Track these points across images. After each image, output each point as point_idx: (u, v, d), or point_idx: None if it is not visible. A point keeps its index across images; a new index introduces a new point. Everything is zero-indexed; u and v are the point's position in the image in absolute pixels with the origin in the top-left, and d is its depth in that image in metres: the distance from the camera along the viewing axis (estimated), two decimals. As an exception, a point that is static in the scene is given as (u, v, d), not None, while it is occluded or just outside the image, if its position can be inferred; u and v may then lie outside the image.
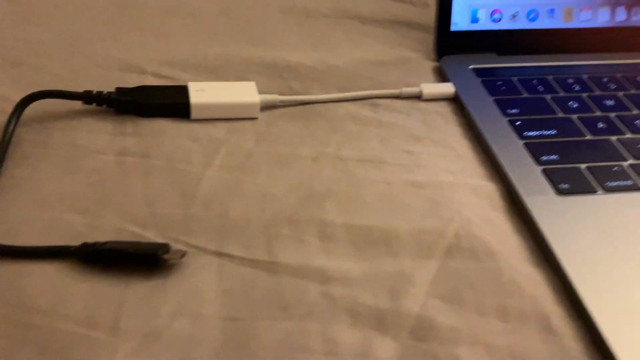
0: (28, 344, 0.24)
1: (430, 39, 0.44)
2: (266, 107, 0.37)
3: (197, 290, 0.26)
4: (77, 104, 0.35)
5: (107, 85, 0.37)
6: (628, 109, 0.39)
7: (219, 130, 0.35)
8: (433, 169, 0.34)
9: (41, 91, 0.34)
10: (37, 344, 0.24)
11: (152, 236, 0.28)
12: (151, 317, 0.25)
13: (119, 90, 0.36)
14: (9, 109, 0.34)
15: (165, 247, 0.27)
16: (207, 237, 0.29)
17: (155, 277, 0.27)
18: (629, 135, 0.36)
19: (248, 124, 0.36)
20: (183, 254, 0.27)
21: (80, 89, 0.36)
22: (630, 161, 0.34)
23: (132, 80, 0.38)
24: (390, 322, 0.25)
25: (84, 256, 0.27)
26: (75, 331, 0.24)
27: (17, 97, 0.35)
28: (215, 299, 0.26)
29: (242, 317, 0.25)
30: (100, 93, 0.35)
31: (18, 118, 0.33)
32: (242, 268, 0.27)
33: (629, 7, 0.44)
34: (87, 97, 0.35)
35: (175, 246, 0.28)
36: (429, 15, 0.45)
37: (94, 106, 0.35)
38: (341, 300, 0.26)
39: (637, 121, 0.37)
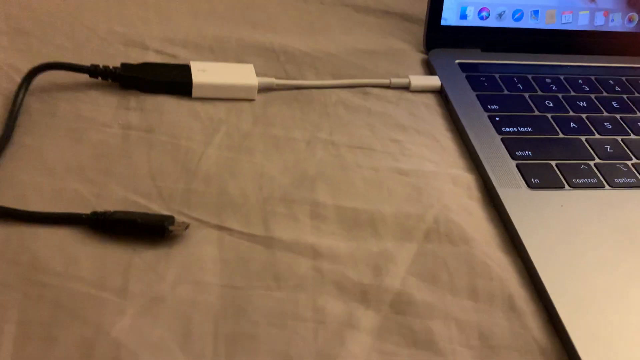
0: (42, 301, 0.26)
1: (420, 31, 0.46)
2: (263, 89, 0.39)
3: (198, 259, 0.29)
4: (83, 77, 0.37)
5: (110, 58, 0.39)
6: (599, 111, 0.42)
7: (218, 110, 0.37)
8: (417, 158, 0.36)
9: (50, 63, 0.36)
10: (51, 301, 0.26)
11: (157, 207, 0.31)
12: (156, 282, 0.27)
13: (124, 65, 0.37)
14: (17, 77, 0.36)
15: (170, 219, 0.29)
16: (208, 211, 0.31)
17: (160, 246, 0.29)
18: (597, 136, 0.39)
19: (246, 104, 0.38)
20: (187, 226, 0.29)
21: (83, 60, 0.37)
22: (596, 160, 0.37)
23: (134, 55, 0.40)
24: (372, 296, 0.28)
25: (94, 224, 0.29)
26: (86, 291, 0.27)
27: (24, 65, 0.36)
28: (215, 268, 0.28)
29: (239, 285, 0.28)
30: (106, 67, 0.37)
31: (27, 88, 0.35)
32: (240, 241, 0.30)
33: (606, 13, 0.47)
34: (93, 70, 0.36)
35: (178, 218, 0.30)
36: (421, 8, 0.47)
37: (99, 80, 0.37)
38: (329, 274, 0.29)
39: (605, 123, 0.41)
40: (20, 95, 0.34)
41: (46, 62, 0.36)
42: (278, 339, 0.26)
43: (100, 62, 0.37)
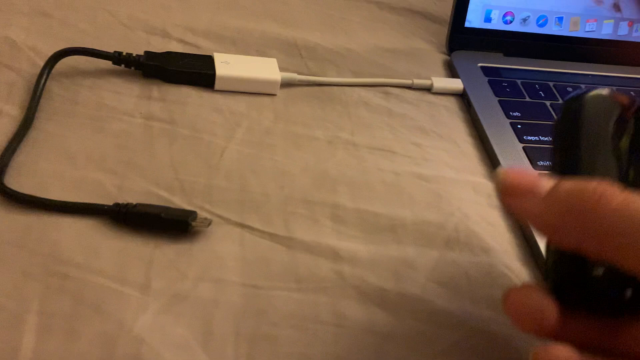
0: (63, 293, 0.26)
1: (443, 31, 0.46)
2: (285, 84, 0.39)
3: (220, 257, 0.28)
4: (106, 63, 0.37)
5: (131, 45, 0.38)
6: (619, 122, 0.42)
7: (240, 104, 0.37)
8: (438, 163, 0.36)
9: (73, 48, 0.35)
10: (72, 294, 0.26)
11: (178, 201, 0.30)
12: (178, 279, 0.27)
13: (148, 54, 0.37)
14: (39, 61, 0.35)
15: (193, 215, 0.29)
16: (229, 207, 0.31)
17: (182, 241, 0.29)
18: (617, 148, 0.39)
19: (267, 99, 0.38)
20: (209, 223, 0.29)
21: (105, 46, 0.37)
22: (616, 173, 0.37)
23: (156, 43, 0.40)
24: (392, 301, 0.28)
25: (116, 215, 0.29)
26: (107, 285, 0.26)
27: (46, 49, 0.36)
28: (237, 266, 0.28)
29: (261, 285, 0.28)
30: (129, 55, 0.36)
31: (49, 72, 0.34)
32: (262, 240, 0.30)
33: (631, 24, 0.47)
34: (117, 58, 0.36)
35: (201, 214, 0.30)
36: (444, 8, 0.47)
37: (122, 67, 0.37)
38: (350, 278, 0.29)
39: (626, 135, 0.40)
40: (42, 80, 0.34)
41: (70, 47, 0.36)
42: (298, 342, 0.26)
43: (122, 49, 0.37)
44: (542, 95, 0.43)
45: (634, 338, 0.24)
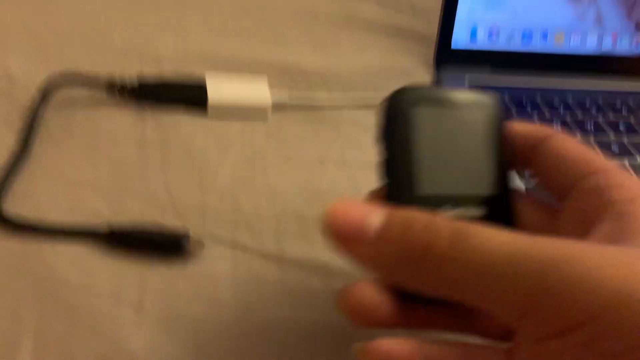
0: (59, 314, 0.26)
1: (430, 50, 0.47)
2: (276, 106, 0.40)
3: (213, 277, 0.29)
4: (100, 91, 0.37)
5: (125, 71, 0.39)
6: (606, 134, 0.42)
7: (233, 127, 0.38)
8: (428, 178, 0.37)
9: (68, 78, 0.36)
10: (67, 315, 0.26)
11: (172, 223, 0.31)
12: (172, 299, 0.28)
13: (141, 82, 0.38)
14: (34, 89, 0.36)
15: (186, 236, 0.29)
16: (222, 227, 0.31)
17: (175, 262, 0.29)
18: (605, 159, 0.40)
19: (259, 123, 0.39)
20: (201, 245, 0.30)
21: (100, 72, 0.38)
22: (604, 183, 0.38)
23: (149, 68, 0.41)
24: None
25: (110, 238, 0.29)
26: (102, 306, 0.27)
27: (41, 78, 0.37)
28: (230, 286, 0.29)
29: (253, 303, 0.28)
30: (123, 84, 0.37)
31: (45, 102, 0.35)
32: (254, 259, 0.30)
33: (614, 37, 0.48)
34: (110, 87, 0.37)
35: (193, 234, 0.30)
36: (431, 26, 0.48)
37: (115, 95, 0.37)
38: (341, 294, 0.29)
39: (613, 146, 0.41)
40: (38, 109, 0.35)
41: (64, 76, 0.36)
42: (293, 358, 0.26)
43: (116, 74, 0.38)
44: (529, 109, 0.43)
45: (483, 324, 0.24)
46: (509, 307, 0.19)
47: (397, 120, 0.24)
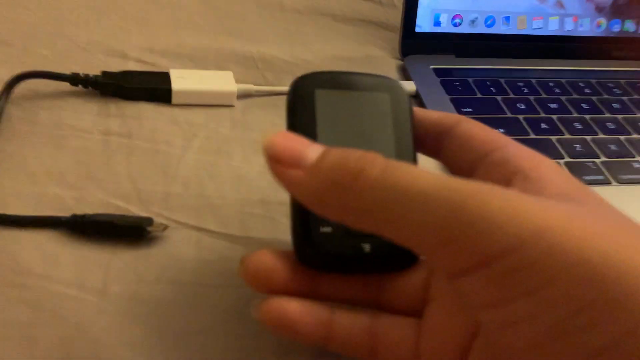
0: (23, 302, 0.26)
1: (396, 38, 0.47)
2: (242, 95, 0.40)
3: (177, 260, 0.29)
4: (64, 85, 0.38)
5: (91, 68, 0.39)
6: (569, 112, 0.43)
7: (198, 116, 0.38)
8: (392, 159, 0.37)
9: (30, 71, 0.37)
10: (31, 303, 0.26)
11: (136, 210, 0.31)
12: (136, 282, 0.28)
13: (105, 73, 0.38)
14: (-1, 86, 0.36)
15: (148, 221, 0.30)
16: (187, 213, 0.31)
17: (139, 247, 0.29)
18: (567, 136, 0.41)
19: (225, 110, 0.39)
20: (165, 227, 0.30)
21: (65, 70, 0.38)
22: (566, 159, 0.39)
23: (114, 64, 0.41)
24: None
25: (73, 226, 0.29)
26: (66, 293, 0.27)
27: (6, 75, 0.37)
28: (194, 268, 0.29)
29: (216, 283, 0.28)
30: (86, 76, 0.37)
31: (8, 96, 0.35)
32: (218, 241, 0.30)
33: (575, 19, 0.49)
34: (74, 79, 0.37)
35: (157, 220, 0.30)
36: (396, 16, 0.49)
37: (80, 88, 0.38)
38: (306, 272, 0.29)
39: (575, 123, 0.42)
40: (1, 104, 0.35)
41: (27, 70, 0.37)
42: (246, 335, 0.27)
43: (81, 71, 0.38)
44: (493, 91, 0.44)
45: (395, 296, 0.25)
46: (429, 238, 0.19)
47: (299, 101, 0.25)
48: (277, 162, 0.22)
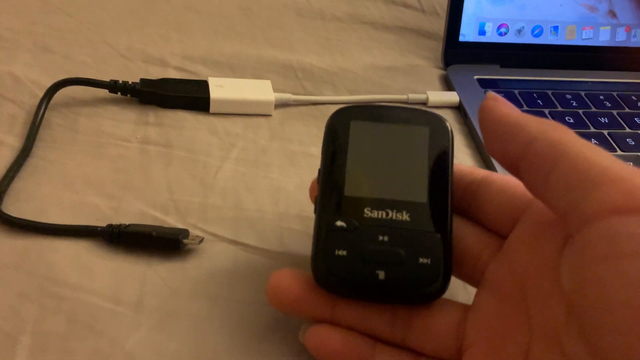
0: (58, 313, 0.26)
1: (438, 47, 0.46)
2: (280, 105, 0.39)
3: (213, 274, 0.28)
4: (103, 92, 0.38)
5: (130, 75, 0.39)
6: (621, 127, 0.41)
7: (236, 125, 0.37)
8: (435, 173, 0.36)
9: (70, 78, 0.37)
10: (67, 314, 0.26)
11: (173, 221, 0.31)
12: (171, 296, 0.27)
13: (143, 81, 0.38)
14: (40, 93, 0.36)
15: (185, 233, 0.29)
16: (223, 225, 0.31)
17: (175, 260, 0.29)
18: (619, 153, 0.39)
19: (263, 120, 0.38)
20: (201, 240, 0.29)
21: (105, 77, 0.38)
22: (619, 177, 0.37)
23: (154, 72, 0.41)
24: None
25: (109, 236, 0.29)
26: (101, 304, 0.27)
27: (47, 82, 0.37)
28: (229, 283, 0.28)
29: (254, 302, 0.28)
30: (125, 83, 0.37)
31: (48, 102, 0.36)
32: (255, 257, 0.30)
33: (628, 29, 0.47)
34: (112, 86, 0.37)
35: (193, 232, 0.30)
36: (439, 24, 0.48)
37: (118, 95, 0.37)
38: (344, 291, 0.28)
39: (628, 139, 0.40)
40: (42, 110, 0.35)
41: (67, 77, 0.37)
42: (289, 354, 0.26)
43: (121, 78, 0.38)
44: (541, 103, 0.42)
45: (424, 337, 0.24)
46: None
47: (333, 132, 0.26)
48: (495, 99, 0.24)
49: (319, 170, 0.26)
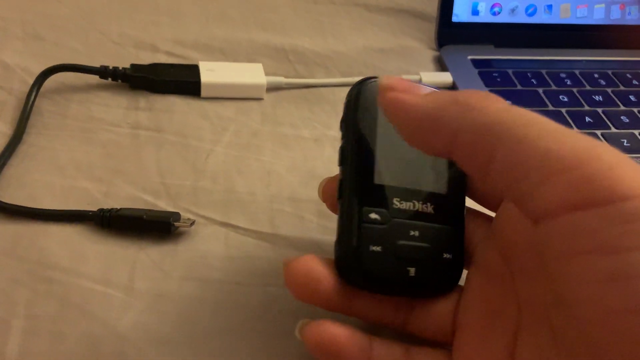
0: (50, 297, 0.26)
1: (431, 28, 0.46)
2: (272, 88, 0.39)
3: (204, 256, 0.29)
4: (94, 78, 0.37)
5: (121, 61, 0.39)
6: (616, 105, 0.41)
7: (227, 109, 0.37)
8: (427, 154, 0.36)
9: (61, 64, 0.36)
10: (58, 297, 0.26)
11: (164, 205, 0.31)
12: (162, 279, 0.27)
13: (134, 66, 0.38)
14: (30, 80, 0.36)
15: (176, 216, 0.29)
16: (215, 208, 0.31)
17: (167, 242, 0.29)
18: (613, 130, 0.39)
19: (254, 104, 0.38)
20: (192, 222, 0.29)
21: (96, 63, 0.38)
22: (613, 155, 0.36)
23: (145, 58, 0.40)
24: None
25: (100, 220, 0.29)
26: (92, 288, 0.27)
27: (38, 69, 0.37)
28: (221, 265, 0.28)
29: (245, 282, 0.28)
30: (115, 68, 0.37)
31: (39, 89, 0.35)
32: (246, 238, 0.30)
33: (623, 7, 0.46)
34: (103, 72, 0.37)
35: (185, 215, 0.30)
36: (432, 4, 0.47)
37: (109, 81, 0.37)
38: (336, 271, 0.28)
39: (622, 117, 0.40)
40: (32, 97, 0.35)
41: (57, 64, 0.36)
42: (281, 335, 0.26)
43: (112, 64, 0.37)
44: (534, 82, 0.42)
45: (424, 321, 0.24)
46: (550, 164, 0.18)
47: (362, 108, 0.24)
48: (392, 89, 0.21)
49: (342, 149, 0.25)
